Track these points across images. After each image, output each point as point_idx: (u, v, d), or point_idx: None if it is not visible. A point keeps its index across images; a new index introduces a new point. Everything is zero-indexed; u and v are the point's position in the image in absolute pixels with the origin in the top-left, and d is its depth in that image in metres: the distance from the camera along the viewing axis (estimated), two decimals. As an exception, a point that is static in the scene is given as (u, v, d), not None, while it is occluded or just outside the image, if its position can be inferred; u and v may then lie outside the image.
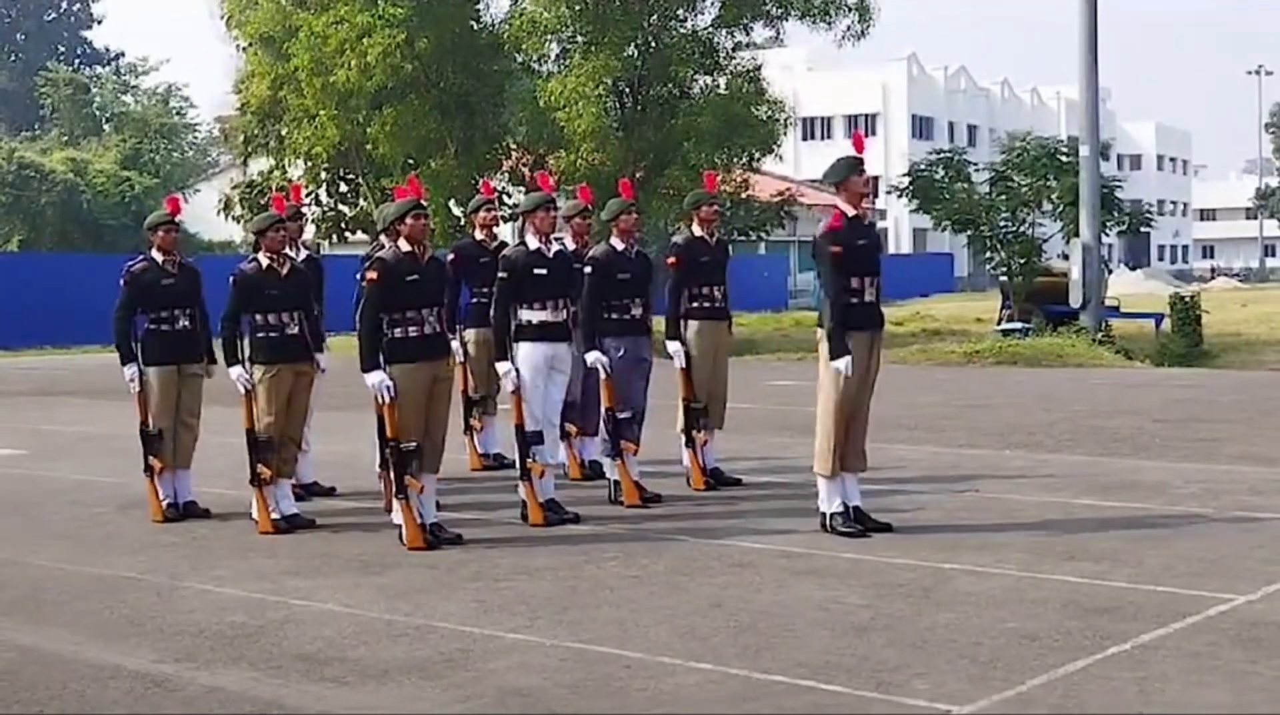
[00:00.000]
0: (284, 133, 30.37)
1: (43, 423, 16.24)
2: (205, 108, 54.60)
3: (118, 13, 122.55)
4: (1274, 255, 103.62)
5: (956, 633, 6.18)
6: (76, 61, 68.20)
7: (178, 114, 55.08)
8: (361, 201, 32.66)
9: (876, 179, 69.23)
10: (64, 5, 72.65)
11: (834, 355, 8.19)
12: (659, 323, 9.96)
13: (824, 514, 8.42)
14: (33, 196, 44.76)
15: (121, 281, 9.40)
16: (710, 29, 28.12)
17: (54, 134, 54.83)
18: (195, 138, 58.42)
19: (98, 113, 57.24)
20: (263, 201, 32.65)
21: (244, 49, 30.25)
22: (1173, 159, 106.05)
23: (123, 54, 68.00)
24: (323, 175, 32.51)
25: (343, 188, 33.65)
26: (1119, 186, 30.12)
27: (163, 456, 9.31)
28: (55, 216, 44.71)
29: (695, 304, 10.11)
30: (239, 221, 34.91)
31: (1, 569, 8.09)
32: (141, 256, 9.55)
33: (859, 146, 8.62)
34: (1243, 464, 11.05)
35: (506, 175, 30.24)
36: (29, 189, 44.82)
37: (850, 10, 27.96)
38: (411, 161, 27.71)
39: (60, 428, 15.78)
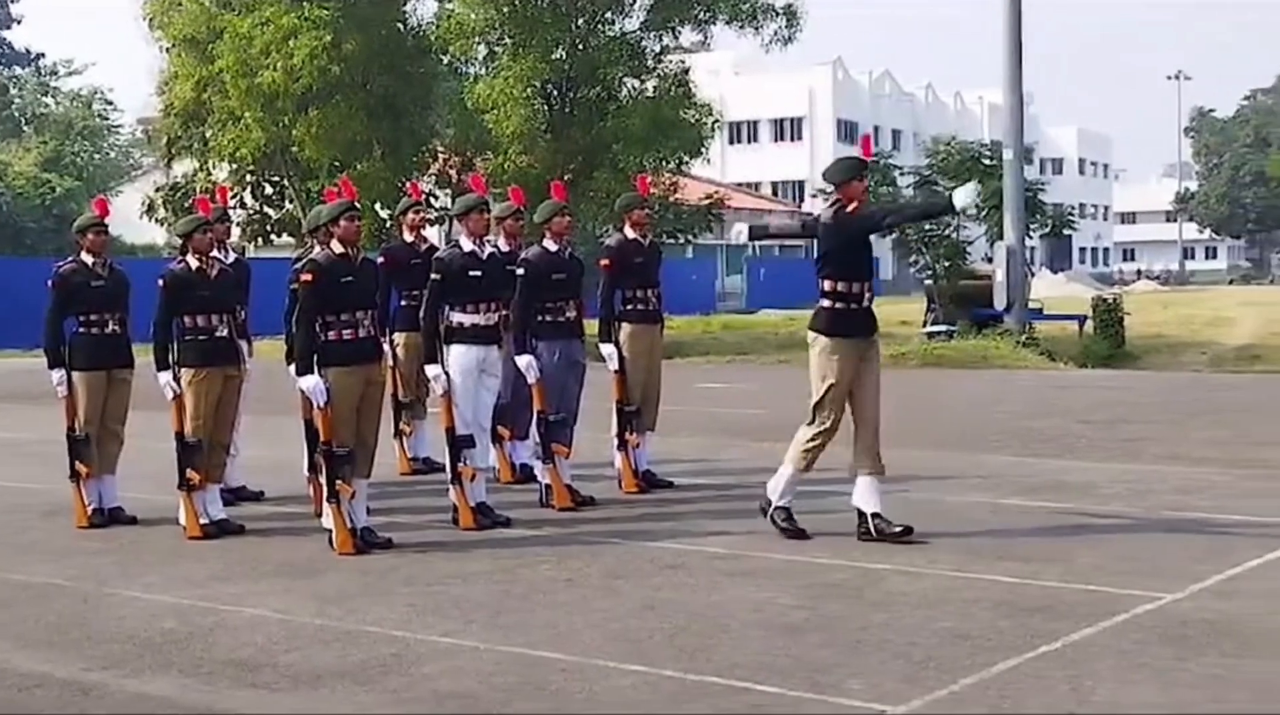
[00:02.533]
0: (208, 135, 30.04)
1: (-38, 428, 15.97)
2: (129, 110, 53.66)
3: (39, 14, 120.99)
4: (1193, 258, 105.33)
5: (890, 633, 6.22)
6: (-5, 62, 67.17)
7: (100, 116, 54.37)
8: (287, 204, 32.38)
9: (802, 184, 69.36)
10: (-18, 6, 71.49)
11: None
12: (591, 325, 9.98)
13: (769, 502, 8.44)
14: (-50, 198, 44.11)
15: (50, 284, 9.26)
16: (638, 32, 28.18)
17: (-29, 136, 54.04)
18: (118, 140, 57.71)
19: (17, 114, 56.40)
20: (187, 204, 32.29)
21: (167, 50, 29.90)
22: (1094, 163, 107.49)
23: (43, 55, 66.96)
24: (248, 178, 32.18)
25: (268, 190, 33.31)
26: (1042, 190, 30.49)
27: (89, 462, 9.18)
28: (-27, 219, 44.07)
29: (628, 307, 10.12)
30: (162, 224, 34.53)
31: (-78, 577, 7.96)
32: (70, 259, 9.41)
33: (866, 151, 8.60)
34: (1167, 464, 11.21)
35: (434, 178, 30.15)
36: (-54, 191, 44.17)
37: (778, 15, 28.12)
38: (338, 164, 27.52)
39: (-20, 433, 15.53)
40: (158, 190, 34.86)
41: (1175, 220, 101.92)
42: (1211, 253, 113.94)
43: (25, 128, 54.48)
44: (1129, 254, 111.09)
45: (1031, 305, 26.62)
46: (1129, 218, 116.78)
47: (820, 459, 8.42)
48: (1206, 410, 15.66)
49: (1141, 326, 27.78)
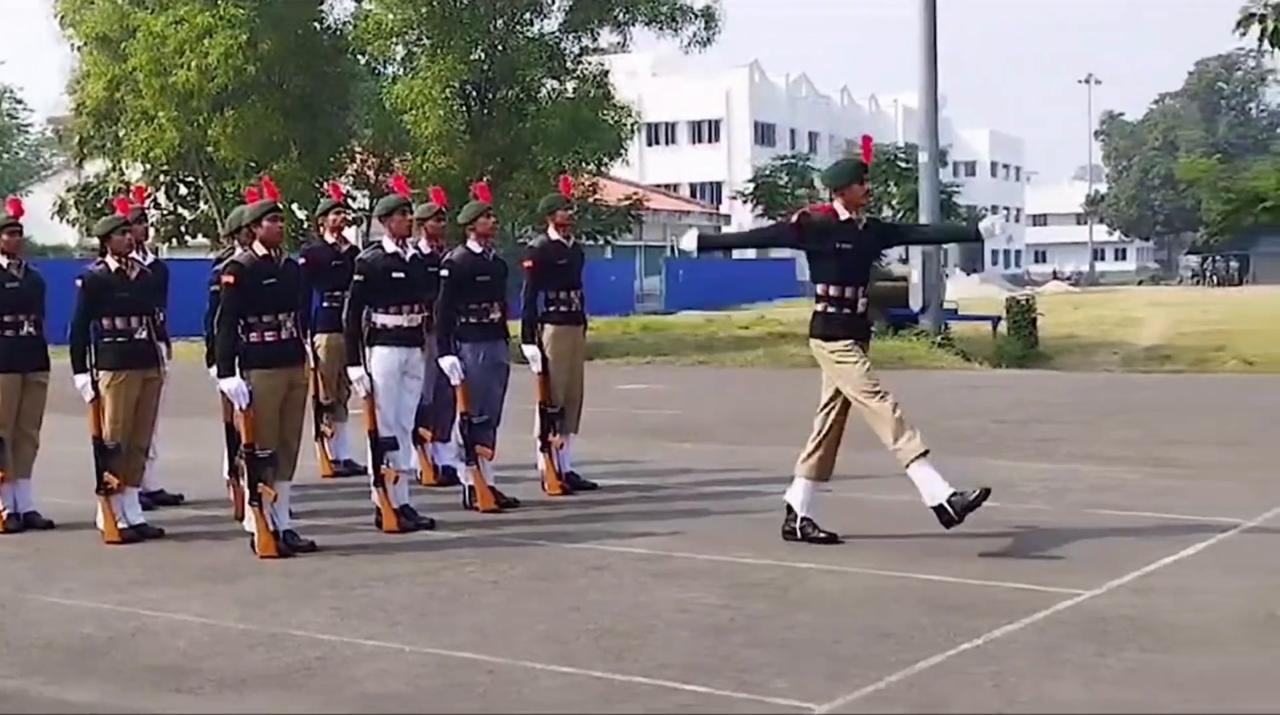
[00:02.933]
0: (121, 134, 29.66)
1: None
2: (39, 109, 52.79)
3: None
4: (1103, 259, 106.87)
5: (815, 631, 6.27)
6: (-103, 60, 65.96)
7: (9, 115, 53.51)
8: (202, 205, 32.05)
9: (720, 185, 69.50)
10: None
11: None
12: (515, 327, 9.97)
13: (794, 515, 8.25)
14: None
15: None
16: (557, 33, 28.15)
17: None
18: (28, 139, 56.77)
19: (-80, 113, 55.41)
20: (99, 205, 31.90)
21: (79, 49, 29.47)
22: (1006, 165, 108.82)
23: (-51, 54, 65.96)
24: (162, 178, 31.80)
25: (182, 191, 32.95)
26: (956, 192, 30.93)
27: (3, 466, 9.02)
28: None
29: (551, 308, 10.11)
30: (74, 225, 34.05)
31: None
32: None
33: (867, 153, 8.48)
34: (1082, 463, 11.37)
35: (351, 178, 29.94)
36: None
37: (697, 17, 28.22)
38: (254, 164, 27.27)
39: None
40: (69, 190, 34.39)
41: (1086, 222, 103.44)
42: (1121, 254, 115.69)
43: (-70, 127, 53.56)
44: (1040, 256, 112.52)
45: (946, 306, 26.92)
46: (1040, 220, 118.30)
47: (727, 459, 8.48)
48: (1118, 410, 15.91)
49: (1054, 327, 28.18)
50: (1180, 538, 8.12)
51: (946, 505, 7.79)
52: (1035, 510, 9.25)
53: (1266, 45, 19.27)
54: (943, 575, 7.33)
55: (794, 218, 8.48)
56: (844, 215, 8.13)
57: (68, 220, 34.21)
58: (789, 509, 8.27)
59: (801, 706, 5.22)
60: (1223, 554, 7.83)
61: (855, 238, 8.14)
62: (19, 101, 54.39)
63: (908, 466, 7.89)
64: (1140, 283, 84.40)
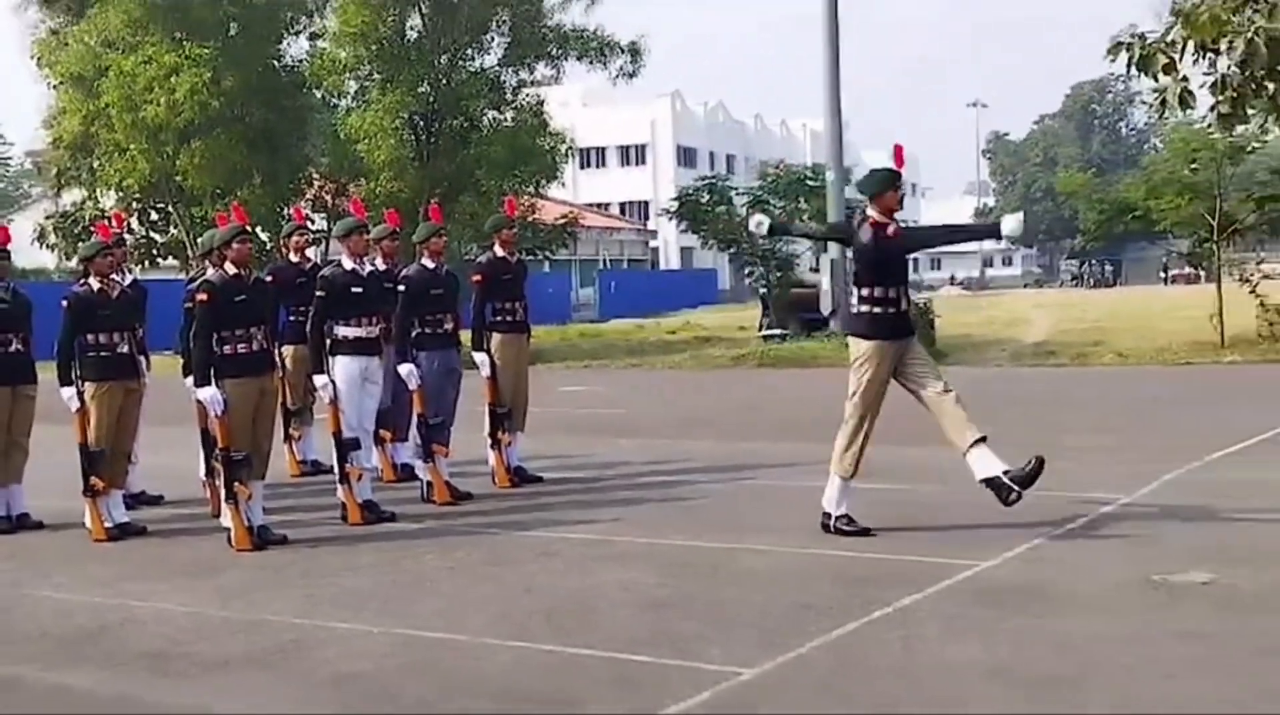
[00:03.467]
0: (96, 165, 29.22)
1: None
2: (18, 143, 51.88)
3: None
4: (992, 266, 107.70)
5: (743, 605, 6.32)
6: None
7: (-11, 149, 52.72)
8: (172, 229, 31.65)
9: (647, 203, 69.26)
10: None
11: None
12: (466, 336, 9.98)
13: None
14: None
15: None
16: (497, 68, 28.07)
17: None
18: (7, 171, 55.85)
19: (-92, 147, 54.42)
20: (76, 231, 31.49)
21: (55, 87, 29.04)
22: (906, 181, 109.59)
23: (-69, 93, 64.81)
24: (134, 205, 31.34)
25: (154, 216, 32.52)
26: (860, 206, 31.05)
27: (-5, 472, 8.95)
28: None
29: (498, 318, 10.14)
30: (53, 250, 33.57)
31: None
32: None
33: (899, 161, 8.22)
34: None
35: (310, 203, 29.71)
36: None
37: (623, 52, 28.27)
38: (219, 191, 27.04)
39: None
40: (48, 218, 33.87)
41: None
42: (1008, 261, 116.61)
43: (-86, 159, 52.56)
44: (936, 263, 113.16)
45: (854, 310, 27.02)
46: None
47: (658, 451, 8.49)
48: (1008, 400, 16.02)
49: (950, 327, 28.33)
50: (1065, 513, 8.23)
51: (833, 520, 7.86)
52: (937, 491, 9.37)
53: (1133, 71, 19.51)
54: (856, 552, 7.40)
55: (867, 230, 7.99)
56: (879, 219, 7.87)
57: (47, 246, 33.70)
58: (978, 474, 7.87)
59: (732, 671, 5.27)
60: (1103, 528, 7.95)
61: (889, 241, 7.87)
62: (-1, 136, 53.67)
63: (835, 473, 7.93)
64: (1025, 286, 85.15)
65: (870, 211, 7.94)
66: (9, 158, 55.15)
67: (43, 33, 29.07)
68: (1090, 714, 4.75)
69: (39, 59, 28.89)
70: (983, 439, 7.79)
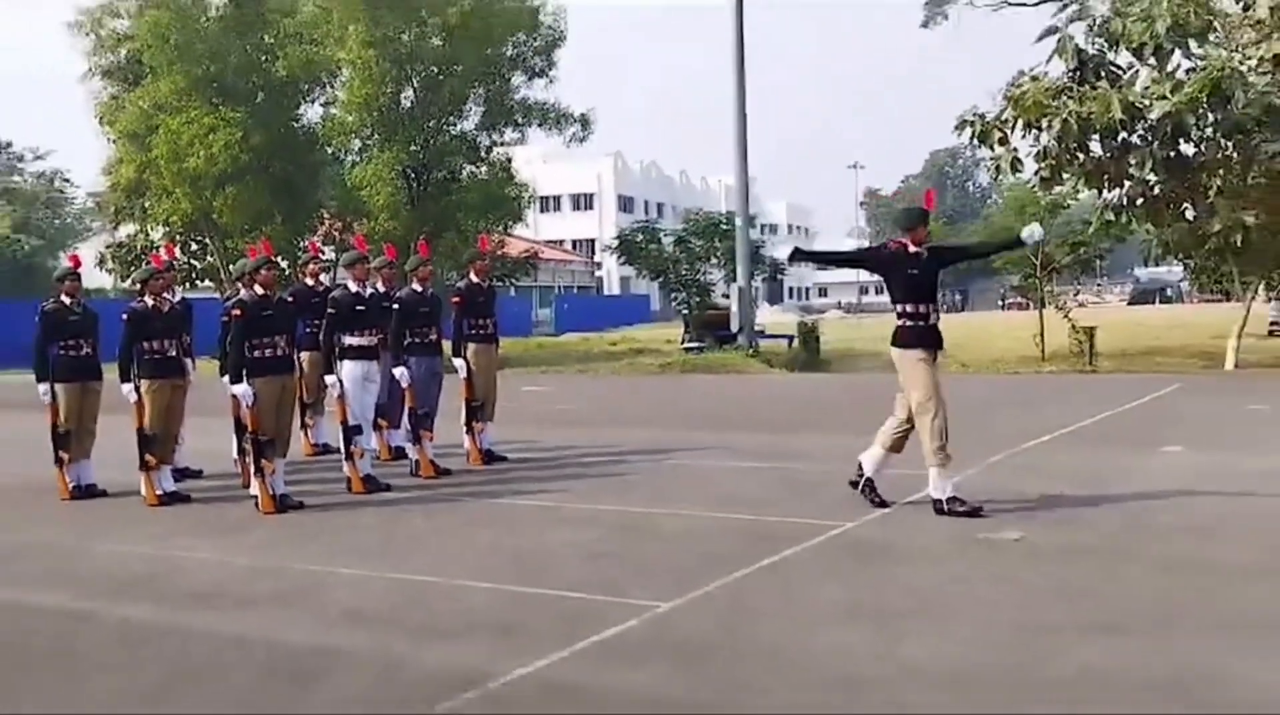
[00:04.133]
0: (147, 205, 28.89)
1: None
2: (82, 185, 50.94)
3: (5, 111, 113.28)
4: (868, 293, 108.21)
5: (662, 556, 6.43)
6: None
7: (59, 191, 51.58)
8: (209, 257, 31.33)
9: (594, 241, 68.68)
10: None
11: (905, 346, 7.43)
12: (447, 345, 10.04)
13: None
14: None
15: (37, 318, 9.00)
16: (474, 132, 28.06)
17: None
18: (73, 208, 54.73)
19: (-9, 189, 53.16)
20: (129, 258, 31.08)
21: (114, 141, 28.74)
22: (799, 226, 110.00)
23: (11, 144, 63.19)
24: (178, 237, 30.99)
25: (194, 247, 32.16)
26: (763, 246, 31.29)
27: (70, 450, 8.95)
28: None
29: (473, 331, 10.22)
30: (111, 273, 33.12)
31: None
32: (53, 299, 9.15)
33: (929, 204, 7.86)
34: (853, 437, 11.23)
35: (321, 238, 29.51)
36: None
37: (576, 121, 28.42)
38: (247, 227, 26.84)
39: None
40: (107, 247, 33.39)
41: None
42: (880, 289, 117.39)
43: (-1, 200, 51.43)
44: (823, 291, 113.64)
45: (756, 328, 27.23)
46: (823, 265, 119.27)
47: (596, 437, 8.54)
48: (877, 399, 16.17)
49: (833, 342, 28.69)
50: (914, 485, 8.20)
51: (944, 502, 7.36)
52: (815, 469, 9.42)
53: (975, 142, 19.94)
54: (751, 515, 7.48)
55: (878, 248, 7.73)
56: (912, 249, 7.54)
57: (106, 270, 33.19)
58: (860, 467, 7.76)
59: (653, 604, 5.39)
60: None
61: (921, 265, 7.51)
62: (66, 180, 52.51)
63: (930, 466, 7.38)
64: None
65: (904, 240, 7.59)
66: (74, 198, 54.16)
67: (105, 98, 28.74)
68: (925, 635, 4.88)
69: (101, 118, 28.56)
70: (895, 450, 7.63)
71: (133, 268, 31.22)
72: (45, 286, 40.33)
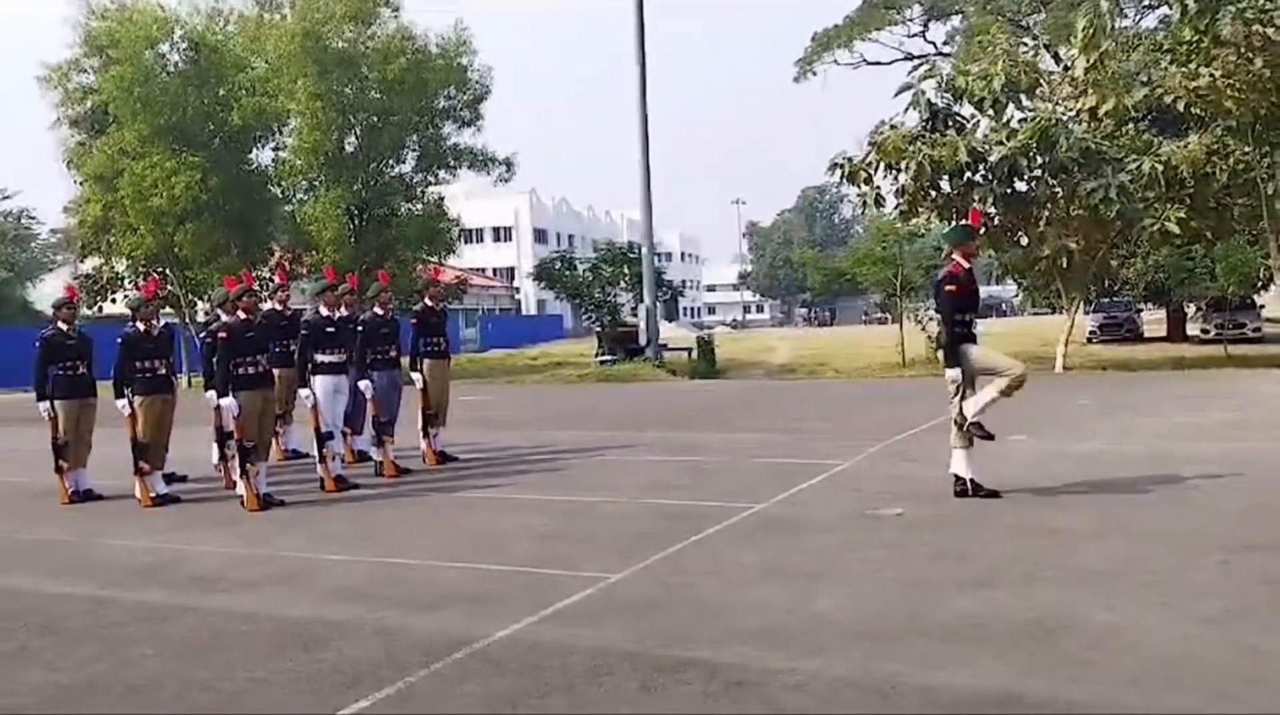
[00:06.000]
0: (112, 240, 28.07)
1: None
2: (50, 221, 48.95)
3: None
4: (750, 312, 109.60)
5: (604, 536, 6.56)
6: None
7: (25, 228, 49.61)
8: (169, 287, 30.52)
9: (513, 269, 67.87)
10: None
11: (949, 365, 7.14)
12: (405, 361, 10.09)
13: (962, 478, 7.23)
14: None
15: (37, 344, 8.85)
16: (410, 173, 27.94)
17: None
18: (39, 243, 52.70)
19: (-42, 226, 50.83)
20: (96, 288, 30.13)
21: (80, 183, 27.86)
22: (691, 254, 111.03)
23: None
24: (141, 269, 30.16)
25: (155, 277, 31.31)
26: (663, 272, 31.67)
27: (69, 459, 8.80)
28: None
29: (429, 348, 10.27)
30: (79, 302, 32.02)
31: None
32: (51, 327, 9.00)
33: (975, 221, 7.63)
34: (748, 432, 11.77)
35: (273, 268, 29.02)
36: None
37: (500, 163, 28.50)
38: (206, 259, 26.30)
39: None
40: (75, 278, 32.27)
41: (739, 289, 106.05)
42: (760, 308, 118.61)
43: (-35, 236, 49.22)
44: (712, 310, 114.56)
45: (660, 342, 27.52)
46: (711, 287, 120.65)
47: (531, 438, 8.55)
48: (766, 401, 16.46)
49: (725, 353, 29.07)
50: (808, 472, 8.60)
51: (967, 482, 7.19)
52: (726, 460, 9.60)
53: (843, 181, 20.56)
54: (675, 499, 7.63)
55: (948, 284, 7.15)
56: (965, 265, 7.21)
57: (74, 300, 32.13)
58: (956, 477, 7.30)
59: (602, 576, 5.54)
60: (833, 481, 8.27)
61: (971, 279, 7.24)
62: (32, 217, 50.53)
63: (987, 391, 7.06)
64: (772, 326, 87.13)
65: (956, 256, 7.23)
66: (39, 233, 52.15)
67: (72, 144, 27.84)
68: (830, 592, 5.12)
69: (69, 162, 27.67)
70: (1006, 394, 7.11)
71: (99, 298, 30.24)
72: (12, 314, 38.77)
